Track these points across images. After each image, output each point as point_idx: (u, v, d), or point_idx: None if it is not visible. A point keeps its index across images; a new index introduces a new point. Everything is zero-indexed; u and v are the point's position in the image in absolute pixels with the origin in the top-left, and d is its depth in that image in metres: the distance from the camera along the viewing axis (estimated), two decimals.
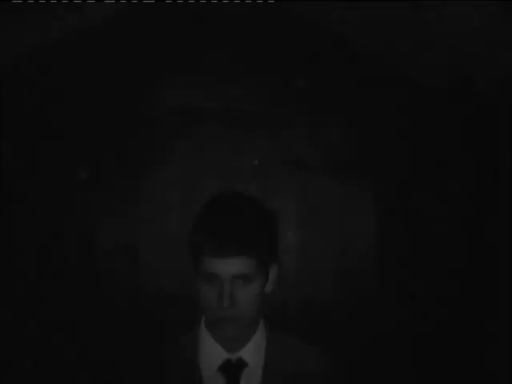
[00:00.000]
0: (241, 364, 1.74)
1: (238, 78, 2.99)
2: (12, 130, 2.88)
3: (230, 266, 1.61)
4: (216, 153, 2.98)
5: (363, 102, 2.87)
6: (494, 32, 2.36)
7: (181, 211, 2.99)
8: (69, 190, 2.92)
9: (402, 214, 2.92)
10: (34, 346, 2.88)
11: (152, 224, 2.98)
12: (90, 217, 2.93)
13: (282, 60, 2.89)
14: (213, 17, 2.84)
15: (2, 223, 2.88)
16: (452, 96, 2.75)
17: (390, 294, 2.94)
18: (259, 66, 2.93)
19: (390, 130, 2.91)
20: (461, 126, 2.83)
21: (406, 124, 2.90)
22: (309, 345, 1.84)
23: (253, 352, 1.75)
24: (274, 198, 2.95)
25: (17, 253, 2.90)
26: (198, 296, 1.67)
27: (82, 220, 2.94)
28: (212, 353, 1.72)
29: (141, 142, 2.96)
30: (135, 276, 2.99)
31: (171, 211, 3.01)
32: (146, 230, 3.00)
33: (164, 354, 1.77)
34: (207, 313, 1.66)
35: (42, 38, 2.70)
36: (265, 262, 1.69)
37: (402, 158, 2.93)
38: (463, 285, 2.95)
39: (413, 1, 2.22)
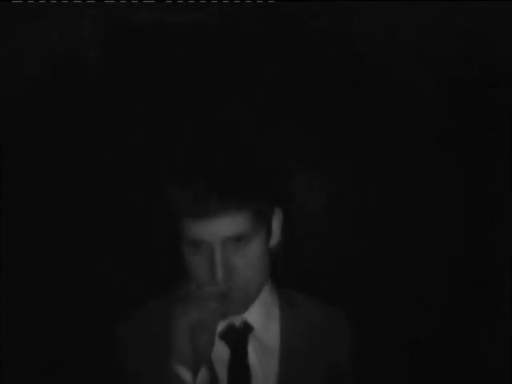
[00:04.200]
0: (246, 328, 1.42)
1: None
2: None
3: (218, 228, 1.24)
4: None
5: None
6: None
7: None
8: None
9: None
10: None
11: None
12: None
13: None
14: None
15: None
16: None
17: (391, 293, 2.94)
18: None
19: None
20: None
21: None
22: (328, 306, 1.54)
23: (260, 314, 1.43)
24: None
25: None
26: (186, 265, 1.35)
27: None
28: None
29: None
30: None
31: None
32: None
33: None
34: (200, 287, 1.31)
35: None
36: (264, 212, 1.35)
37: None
38: (464, 283, 2.95)
39: None
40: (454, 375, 2.93)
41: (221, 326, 1.41)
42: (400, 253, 2.97)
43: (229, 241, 1.28)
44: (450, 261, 2.96)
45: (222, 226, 1.24)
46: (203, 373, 1.30)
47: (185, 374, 1.25)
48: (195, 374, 1.28)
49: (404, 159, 2.93)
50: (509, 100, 2.69)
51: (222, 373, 1.41)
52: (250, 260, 1.31)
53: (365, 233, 2.88)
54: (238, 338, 1.41)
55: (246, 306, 1.38)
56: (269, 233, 1.38)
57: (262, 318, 1.43)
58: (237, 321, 1.42)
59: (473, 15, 2.62)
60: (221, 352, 1.41)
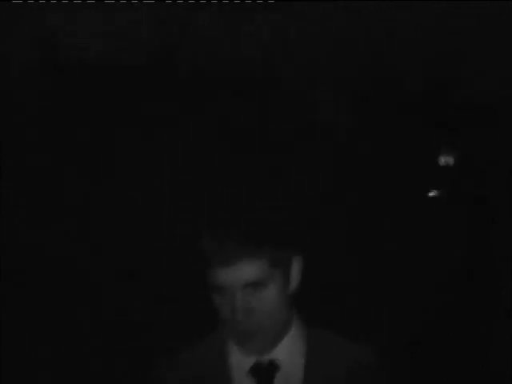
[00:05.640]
0: (272, 367, 1.48)
1: None
2: None
3: (235, 275, 1.37)
4: None
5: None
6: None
7: None
8: None
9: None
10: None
11: None
12: None
13: None
14: None
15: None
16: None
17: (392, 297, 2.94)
18: None
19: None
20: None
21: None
22: (356, 344, 1.53)
23: (287, 353, 1.49)
24: None
25: None
26: (216, 309, 1.44)
27: None
28: (240, 354, 1.47)
29: None
30: None
31: None
32: None
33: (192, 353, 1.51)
34: (226, 325, 1.43)
35: None
36: (281, 260, 1.42)
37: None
38: (465, 283, 2.95)
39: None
40: (454, 375, 2.93)
41: (250, 363, 1.50)
42: (400, 254, 2.97)
43: (246, 287, 1.39)
44: (449, 261, 2.96)
45: (240, 273, 1.37)
46: None
47: None
48: None
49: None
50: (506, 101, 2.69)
51: None
52: (265, 304, 1.41)
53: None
54: (265, 375, 1.49)
55: (264, 346, 1.47)
56: (287, 279, 1.46)
57: (289, 354, 1.50)
58: (263, 360, 1.49)
59: (473, 15, 2.62)
60: None
